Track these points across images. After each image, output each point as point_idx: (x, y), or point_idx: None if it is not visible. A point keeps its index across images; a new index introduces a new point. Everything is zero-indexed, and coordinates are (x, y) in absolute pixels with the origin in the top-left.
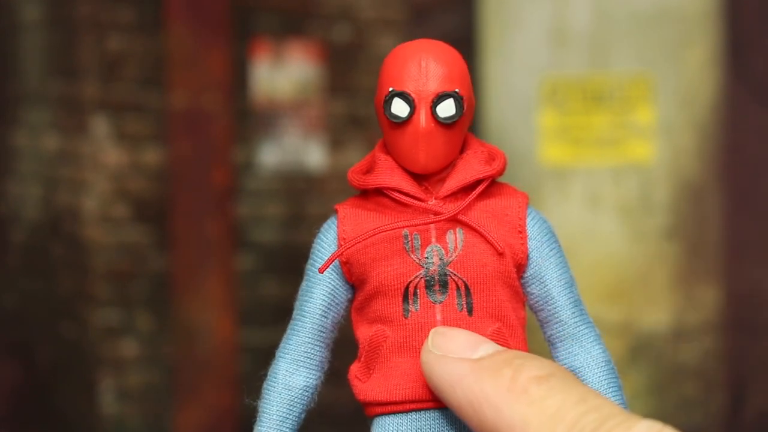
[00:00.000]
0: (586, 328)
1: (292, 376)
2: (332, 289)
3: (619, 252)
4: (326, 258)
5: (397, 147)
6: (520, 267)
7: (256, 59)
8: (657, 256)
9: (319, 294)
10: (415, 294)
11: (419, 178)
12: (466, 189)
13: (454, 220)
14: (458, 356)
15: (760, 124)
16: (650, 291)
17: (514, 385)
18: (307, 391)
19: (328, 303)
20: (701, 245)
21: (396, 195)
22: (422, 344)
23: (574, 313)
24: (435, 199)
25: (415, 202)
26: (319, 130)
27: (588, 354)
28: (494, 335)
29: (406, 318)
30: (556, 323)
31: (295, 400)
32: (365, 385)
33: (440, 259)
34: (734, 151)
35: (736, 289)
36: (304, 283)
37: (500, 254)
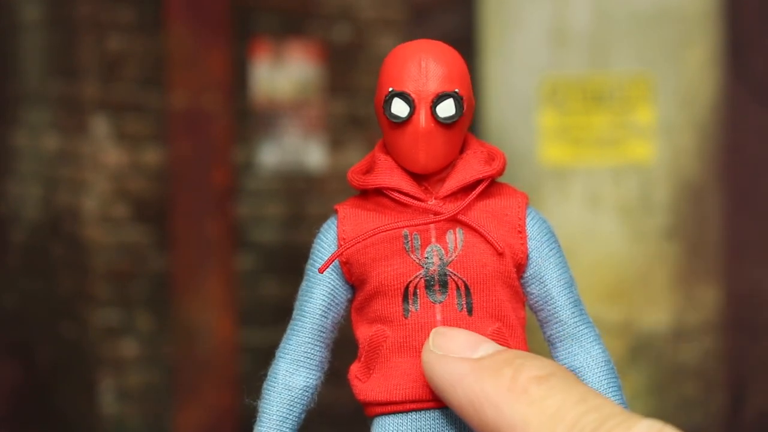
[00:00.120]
0: (586, 328)
1: (292, 376)
2: (332, 289)
3: (619, 252)
4: (326, 258)
5: (397, 147)
6: (520, 267)
7: (256, 59)
8: (657, 256)
9: (319, 294)
10: (415, 294)
11: (419, 178)
12: (466, 189)
13: (454, 220)
14: (459, 356)
15: (760, 124)
16: (650, 291)
17: (514, 385)
18: (307, 391)
19: (328, 303)
20: (701, 245)
21: (396, 195)
22: (422, 344)
23: (573, 313)
24: (435, 199)
25: (415, 202)
26: (319, 130)
27: (588, 354)
28: (494, 335)
29: (406, 318)
30: (556, 323)
31: (295, 400)
32: (365, 385)
33: (440, 259)
34: (734, 151)
35: (736, 289)
36: (304, 283)
37: (500, 254)
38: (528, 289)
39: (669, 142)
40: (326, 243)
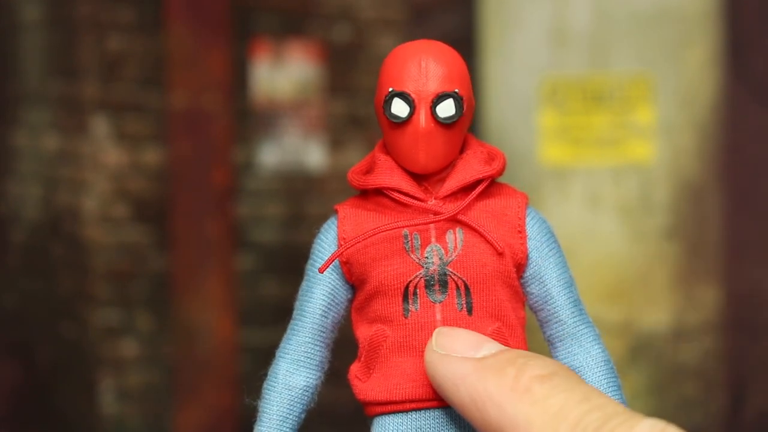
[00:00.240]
0: (586, 327)
1: (292, 376)
2: (332, 289)
3: (619, 252)
4: (326, 258)
5: (397, 147)
6: (520, 267)
7: (256, 59)
8: (657, 256)
9: (319, 294)
10: (414, 294)
11: (419, 178)
12: (466, 189)
13: (454, 220)
14: (462, 355)
15: (760, 124)
16: (650, 291)
17: (517, 384)
18: (307, 391)
19: (328, 303)
20: (701, 245)
21: (396, 195)
22: (422, 344)
23: (573, 312)
24: (435, 199)
25: (415, 202)
26: (319, 130)
27: (587, 354)
28: (494, 335)
29: (406, 318)
30: (556, 323)
31: (296, 400)
32: (365, 385)
33: (440, 258)
34: (734, 151)
35: (736, 289)
36: (304, 283)
37: (500, 254)
38: (528, 289)
39: (669, 142)
40: (326, 243)
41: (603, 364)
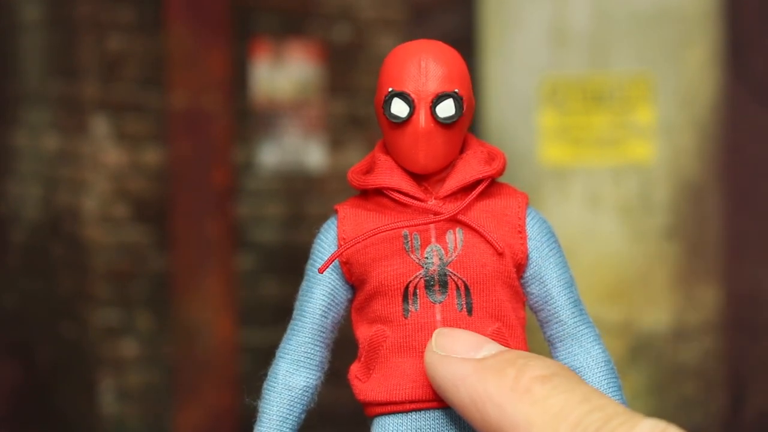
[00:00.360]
0: (586, 328)
1: (292, 377)
2: (332, 289)
3: (619, 252)
4: (326, 258)
5: (397, 147)
6: (520, 267)
7: (256, 59)
8: (657, 256)
9: (319, 294)
10: (414, 294)
11: (419, 178)
12: (466, 189)
13: (454, 220)
14: (462, 356)
15: (760, 124)
16: (650, 291)
17: (517, 385)
18: (307, 392)
19: (328, 303)
20: (701, 245)
21: (396, 195)
22: (422, 344)
23: (573, 313)
24: (435, 199)
25: (415, 202)
26: (319, 130)
27: (588, 354)
28: (494, 335)
29: (405, 318)
30: (556, 323)
31: (296, 400)
32: (365, 385)
33: (440, 259)
34: (734, 151)
35: (736, 289)
36: (304, 283)
37: (500, 254)
38: (528, 289)
39: (669, 142)
40: (326, 243)
41: (603, 364)
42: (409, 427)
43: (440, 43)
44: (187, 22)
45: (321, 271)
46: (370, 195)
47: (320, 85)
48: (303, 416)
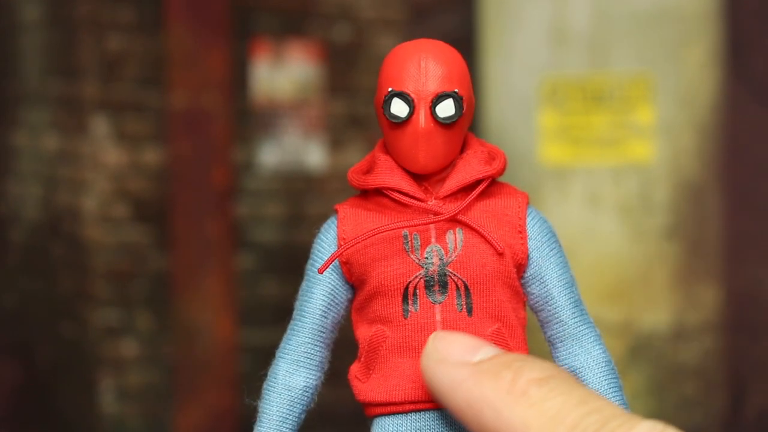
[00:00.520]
0: (587, 328)
1: (292, 377)
2: (332, 289)
3: (619, 252)
4: (326, 258)
5: (397, 147)
6: (520, 267)
7: (256, 59)
8: (657, 256)
9: (319, 294)
10: (414, 294)
11: (419, 178)
12: (466, 189)
13: (454, 220)
14: (458, 360)
15: (760, 124)
16: (650, 291)
17: (514, 388)
18: (307, 392)
19: (328, 303)
20: (701, 245)
21: (396, 195)
22: (422, 345)
23: (574, 313)
24: (435, 199)
25: (415, 202)
26: (319, 130)
27: (588, 354)
28: (494, 335)
29: (405, 318)
30: (557, 323)
31: (295, 400)
32: (365, 386)
33: (440, 259)
34: (734, 151)
35: (736, 289)
36: (304, 283)
37: (500, 254)
38: (528, 289)
39: (669, 142)
40: (326, 243)
41: (604, 364)
42: (409, 427)
43: (440, 43)
44: (187, 22)
45: (321, 271)
46: (370, 195)
47: (320, 85)
48: (303, 416)
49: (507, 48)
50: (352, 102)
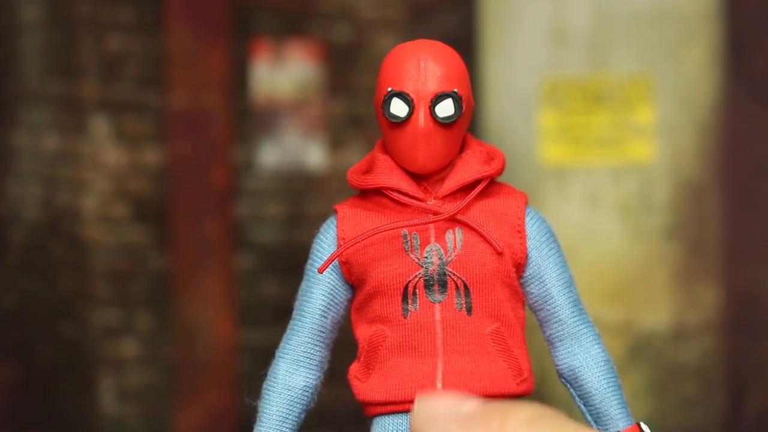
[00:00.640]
0: (586, 327)
1: (291, 376)
2: (332, 289)
3: (619, 252)
4: (326, 258)
5: (396, 147)
6: (520, 266)
7: (256, 59)
8: (657, 256)
9: (319, 294)
10: (414, 293)
11: (418, 177)
12: (465, 189)
13: (454, 220)
14: (446, 414)
15: (760, 124)
16: (650, 291)
17: (504, 430)
18: (306, 391)
19: (328, 303)
20: (701, 245)
21: (395, 195)
22: (422, 344)
23: (573, 312)
24: (434, 198)
25: (414, 201)
26: (319, 130)
27: (587, 353)
28: (493, 335)
29: (405, 318)
30: (556, 322)
31: (295, 399)
32: (364, 385)
33: (439, 258)
34: (734, 151)
35: (736, 289)
36: (303, 283)
37: (499, 254)
38: (527, 289)
39: (669, 142)
40: (326, 243)
41: (603, 363)
42: (409, 426)
43: (439, 43)
44: (187, 22)
45: (320, 271)
46: (370, 195)
47: (320, 85)
48: (303, 416)
49: (507, 48)
50: (352, 102)
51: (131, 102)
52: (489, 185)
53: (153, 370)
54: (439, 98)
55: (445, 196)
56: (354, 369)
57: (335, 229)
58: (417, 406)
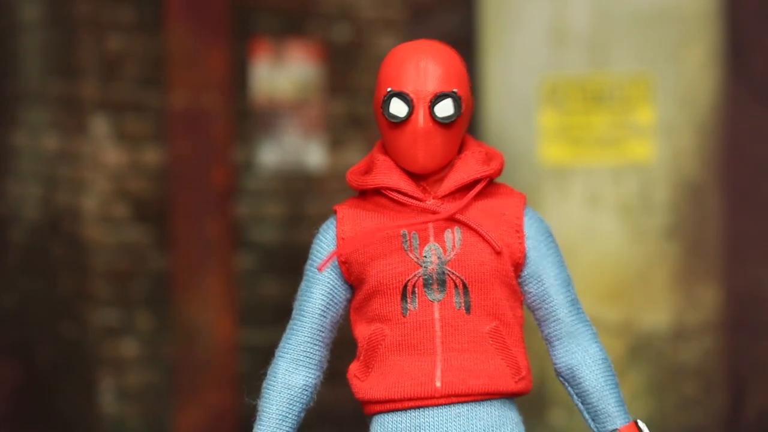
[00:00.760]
0: (583, 326)
1: (291, 376)
2: (331, 289)
3: (619, 252)
4: (325, 258)
5: (396, 147)
6: (518, 266)
7: (256, 59)
8: (657, 256)
9: (318, 294)
10: (413, 293)
11: (417, 177)
12: (464, 189)
13: (452, 220)
14: None
15: (760, 124)
16: (650, 291)
17: None
18: (306, 391)
19: (327, 302)
20: (701, 245)
21: (394, 195)
22: (421, 343)
23: (571, 311)
24: (433, 198)
25: (414, 201)
26: (319, 130)
27: (585, 352)
28: (491, 333)
29: (404, 316)
30: (554, 321)
31: (295, 399)
32: (364, 384)
33: (438, 257)
34: (734, 151)
35: (736, 289)
36: (303, 283)
37: (498, 253)
38: (526, 288)
39: (669, 142)
40: (325, 243)
41: (601, 362)
42: (408, 424)
43: (439, 44)
44: (187, 22)
45: (320, 269)
46: (369, 195)
47: (320, 85)
48: (302, 415)
49: (507, 48)
50: (352, 102)
51: (131, 102)
52: (488, 185)
53: (153, 370)
54: (438, 98)
55: (444, 196)
56: (353, 368)
57: (334, 229)
58: None
